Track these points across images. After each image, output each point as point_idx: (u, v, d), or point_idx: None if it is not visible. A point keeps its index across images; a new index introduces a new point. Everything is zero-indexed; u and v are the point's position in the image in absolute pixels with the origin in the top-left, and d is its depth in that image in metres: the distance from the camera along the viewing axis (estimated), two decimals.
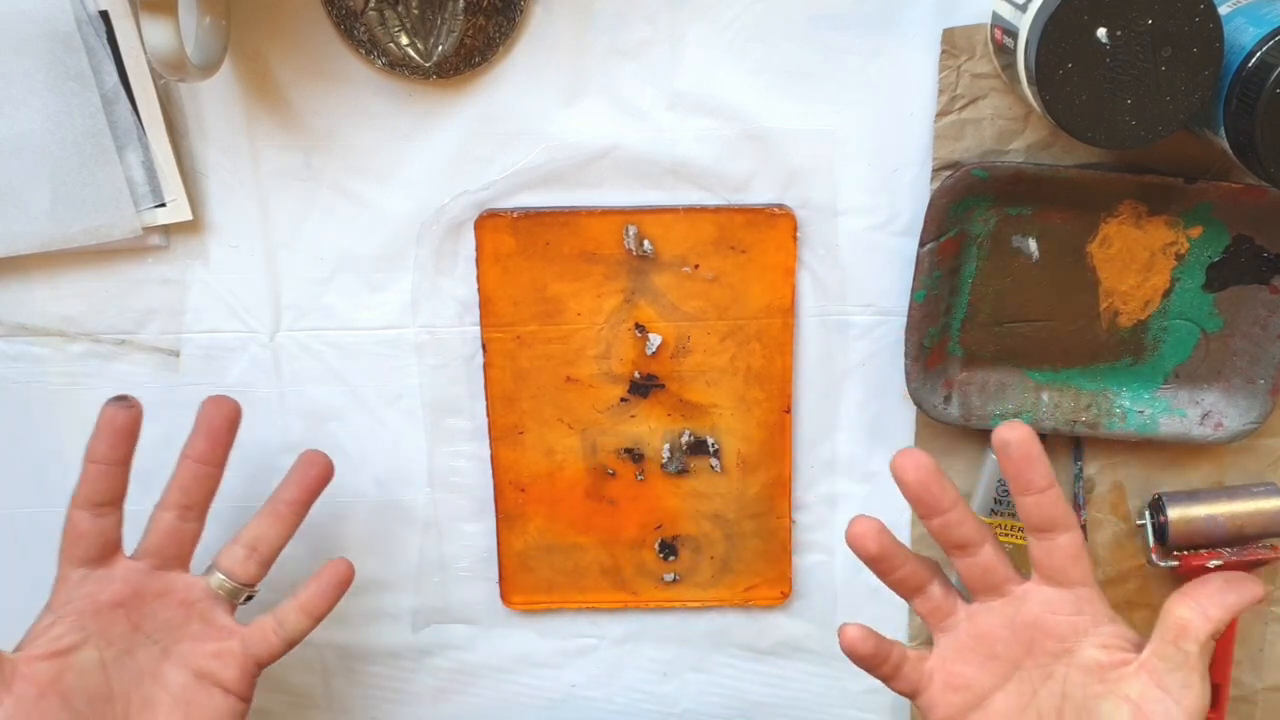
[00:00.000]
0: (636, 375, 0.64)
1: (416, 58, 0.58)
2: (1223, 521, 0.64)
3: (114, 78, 0.58)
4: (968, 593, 0.57)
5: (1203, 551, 0.65)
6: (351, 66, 0.59)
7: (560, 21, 0.58)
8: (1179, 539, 0.65)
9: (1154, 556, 0.65)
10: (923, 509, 0.55)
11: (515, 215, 0.61)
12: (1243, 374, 0.62)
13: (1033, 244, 0.61)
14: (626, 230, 0.61)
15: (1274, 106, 0.48)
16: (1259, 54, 0.49)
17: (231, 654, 0.60)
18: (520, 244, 0.61)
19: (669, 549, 0.68)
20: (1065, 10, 0.49)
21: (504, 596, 0.69)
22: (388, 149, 0.60)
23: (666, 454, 0.66)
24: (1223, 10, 0.50)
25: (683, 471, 0.66)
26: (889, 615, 0.68)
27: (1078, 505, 0.66)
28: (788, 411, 0.64)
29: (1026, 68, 0.51)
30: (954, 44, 0.57)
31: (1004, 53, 0.54)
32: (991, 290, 0.62)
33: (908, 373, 0.62)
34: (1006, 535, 0.65)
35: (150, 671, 0.59)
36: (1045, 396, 0.64)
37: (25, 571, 0.69)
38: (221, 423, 0.60)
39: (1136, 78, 0.50)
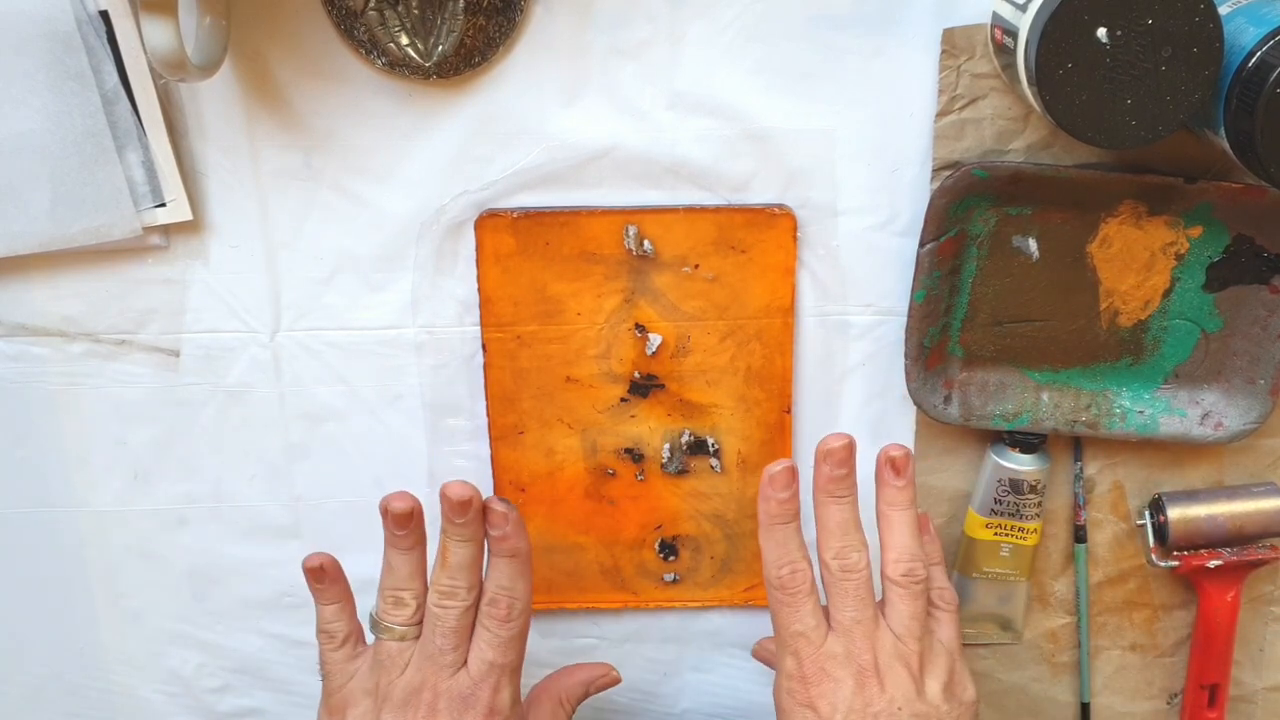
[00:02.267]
0: (636, 375, 0.64)
1: (416, 58, 0.58)
2: (1223, 521, 0.64)
3: (114, 78, 0.58)
4: None
5: (1203, 551, 0.65)
6: (351, 66, 0.59)
7: (560, 21, 0.58)
8: (1179, 539, 0.65)
9: (1154, 556, 0.65)
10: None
11: (515, 215, 0.61)
12: (1243, 374, 0.62)
13: (1033, 244, 0.61)
14: (626, 230, 0.61)
15: (1274, 106, 0.48)
16: (1259, 54, 0.49)
17: None
18: (520, 244, 0.61)
19: (669, 549, 0.68)
20: (1065, 10, 0.49)
21: None
22: (388, 149, 0.60)
23: (666, 454, 0.66)
24: (1223, 10, 0.50)
25: (683, 471, 0.66)
26: None
27: (1078, 505, 0.66)
28: (788, 411, 0.64)
29: (1026, 68, 0.51)
30: (954, 44, 0.57)
31: (1004, 53, 0.54)
32: (991, 290, 0.62)
33: (908, 373, 0.62)
34: (1007, 535, 0.65)
35: None
36: (1045, 396, 0.64)
37: (25, 572, 0.69)
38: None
39: (1136, 78, 0.50)
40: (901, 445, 0.60)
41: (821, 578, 0.59)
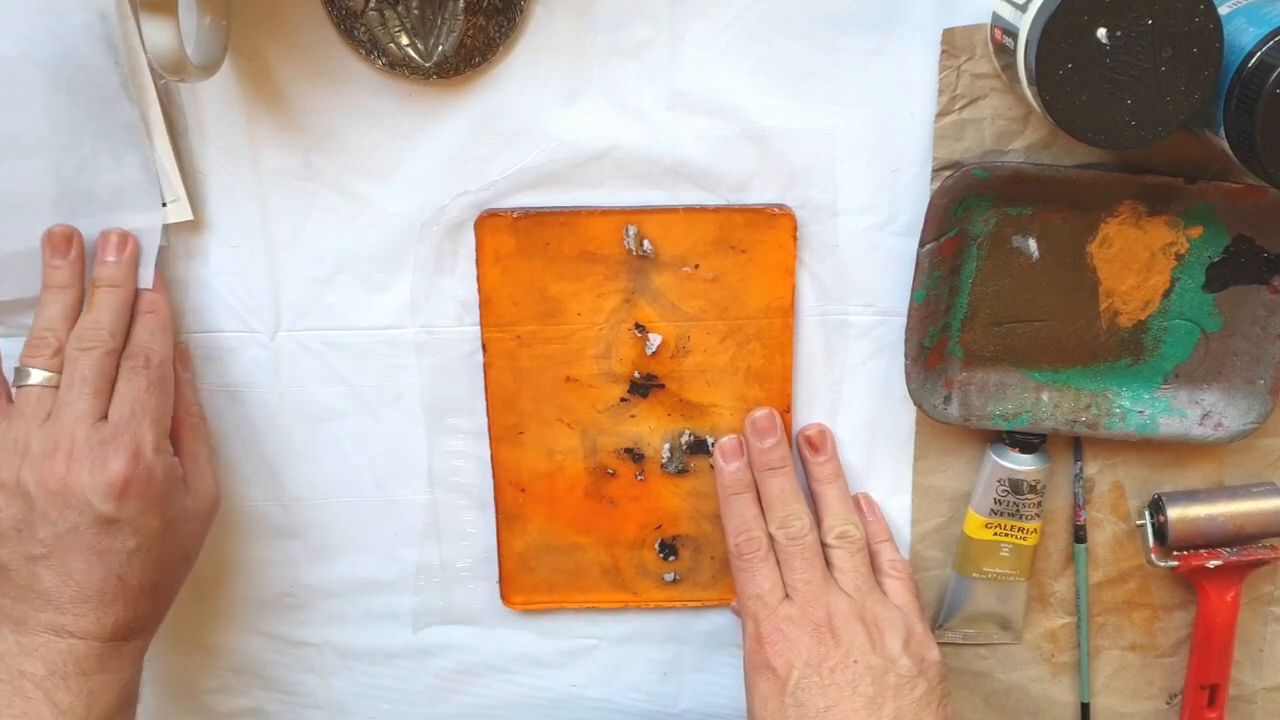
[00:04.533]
0: (636, 375, 0.64)
1: (416, 58, 0.58)
2: (1222, 521, 0.64)
3: (114, 78, 0.58)
4: None
5: (1202, 551, 0.65)
6: (351, 66, 0.59)
7: (560, 21, 0.58)
8: (1179, 539, 0.65)
9: (1154, 556, 0.65)
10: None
11: (515, 215, 0.61)
12: (1243, 374, 0.62)
13: (1033, 244, 0.61)
14: (626, 230, 0.61)
15: (1274, 106, 0.48)
16: (1259, 54, 0.49)
17: None
18: (520, 244, 0.61)
19: (669, 549, 0.68)
20: (1065, 10, 0.49)
21: (504, 596, 0.69)
22: (388, 149, 0.60)
23: (666, 454, 0.66)
24: (1223, 10, 0.50)
25: (683, 471, 0.66)
26: None
27: (1078, 505, 0.66)
28: (788, 411, 0.64)
29: (1026, 68, 0.51)
30: (954, 44, 0.57)
31: (1004, 53, 0.54)
32: (991, 290, 0.62)
33: (908, 373, 0.62)
34: (1007, 535, 0.65)
35: None
36: (1045, 396, 0.64)
37: None
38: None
39: (1136, 78, 0.50)
40: (817, 424, 0.65)
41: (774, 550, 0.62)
